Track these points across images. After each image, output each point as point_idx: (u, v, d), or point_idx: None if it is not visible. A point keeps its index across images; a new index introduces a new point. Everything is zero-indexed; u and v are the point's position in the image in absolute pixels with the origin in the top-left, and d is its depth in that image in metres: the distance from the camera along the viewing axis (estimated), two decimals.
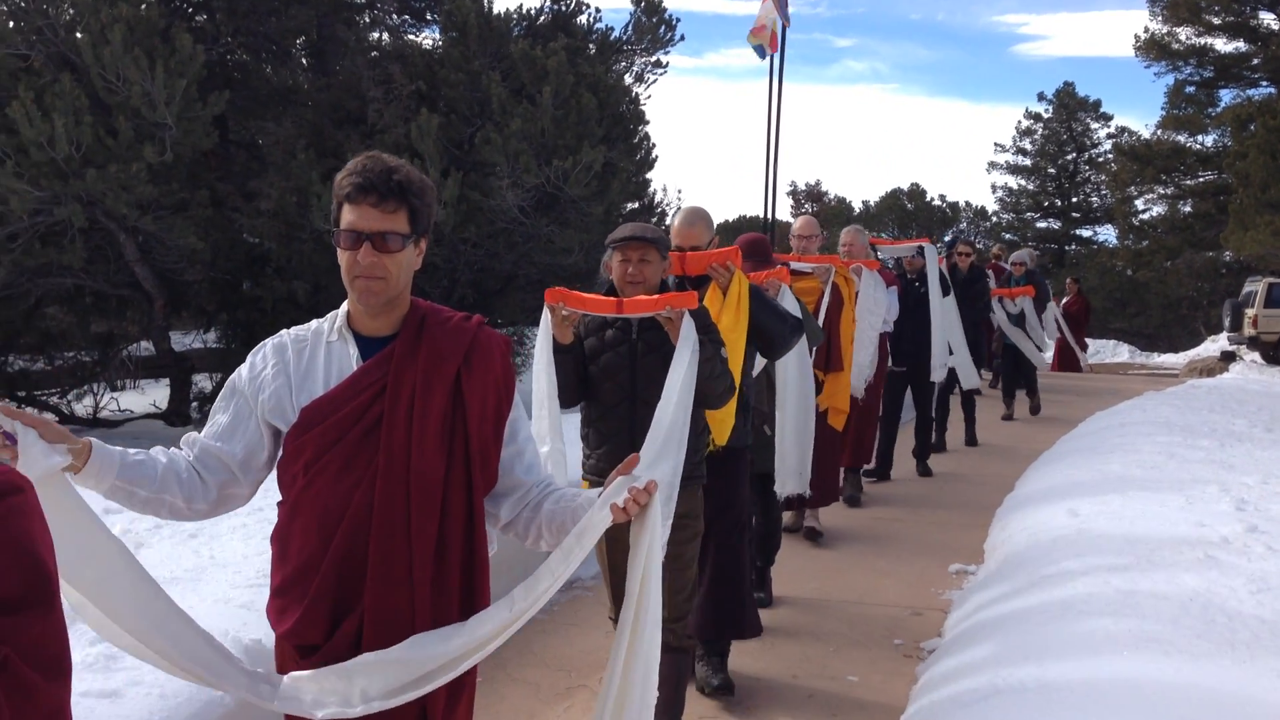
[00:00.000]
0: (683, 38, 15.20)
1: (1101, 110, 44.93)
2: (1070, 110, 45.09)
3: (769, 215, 15.42)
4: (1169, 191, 35.37)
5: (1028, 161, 45.90)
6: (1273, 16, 31.72)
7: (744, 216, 40.13)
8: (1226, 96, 33.64)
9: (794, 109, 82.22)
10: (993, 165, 46.55)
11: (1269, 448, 8.13)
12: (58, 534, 1.80)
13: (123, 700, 3.81)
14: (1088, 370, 19.89)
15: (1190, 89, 34.03)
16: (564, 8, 14.23)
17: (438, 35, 13.49)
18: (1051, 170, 45.48)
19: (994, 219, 47.58)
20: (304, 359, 2.59)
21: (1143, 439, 8.39)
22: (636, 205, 14.07)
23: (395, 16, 14.87)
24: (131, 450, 2.47)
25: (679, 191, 20.60)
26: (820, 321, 6.76)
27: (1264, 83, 32.81)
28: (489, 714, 4.80)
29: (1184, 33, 32.69)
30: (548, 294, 4.02)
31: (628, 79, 14.66)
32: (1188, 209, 34.75)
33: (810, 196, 47.65)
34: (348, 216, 2.46)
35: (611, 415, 4.16)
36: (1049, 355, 19.76)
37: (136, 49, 9.44)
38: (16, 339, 12.63)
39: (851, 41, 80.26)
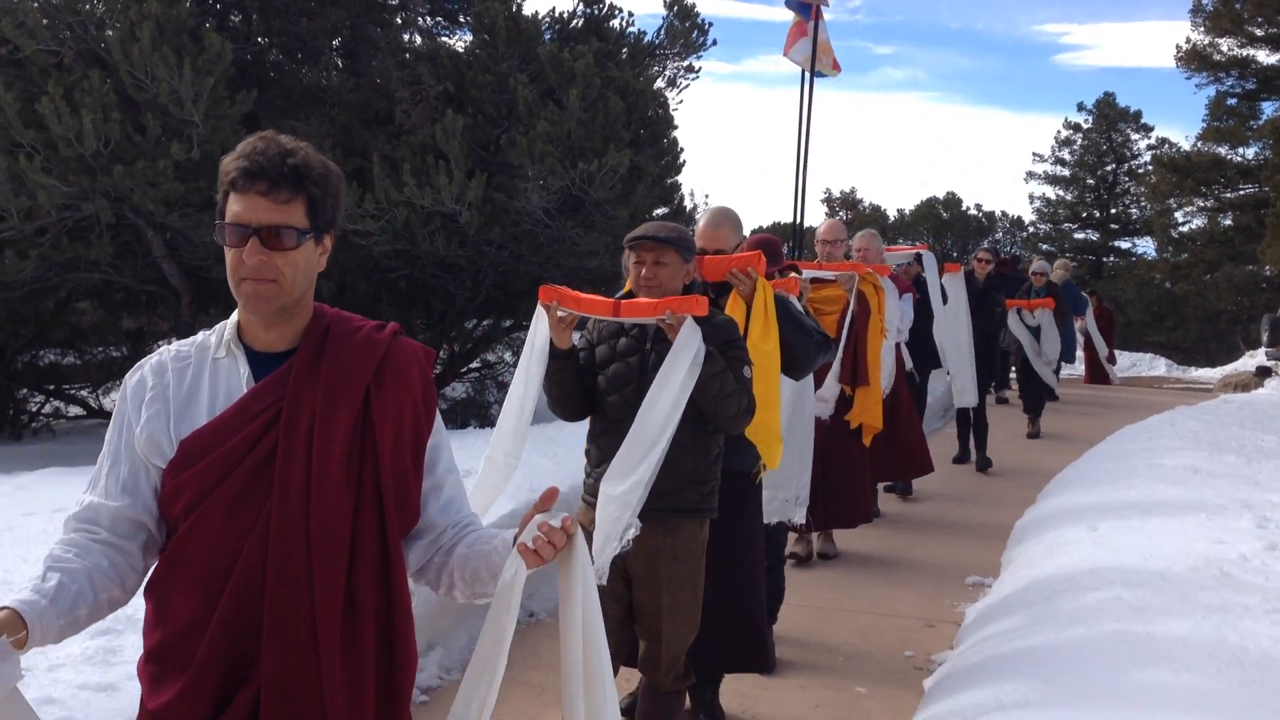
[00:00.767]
0: (715, 42, 15.16)
1: (1142, 121, 44.45)
2: (1110, 121, 44.63)
3: (798, 221, 15.33)
4: (1209, 204, 34.92)
5: (1066, 172, 45.46)
6: None
7: (777, 223, 40.01)
8: (1268, 109, 33.16)
9: (831, 116, 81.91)
10: (1030, 175, 46.11)
11: None
12: None
13: (119, 694, 3.82)
14: (1116, 383, 19.61)
15: (1232, 101, 33.56)
16: (596, 11, 14.21)
17: (469, 37, 13.52)
18: (1090, 181, 45.02)
19: (1031, 229, 47.16)
20: (186, 381, 2.18)
21: (1169, 454, 8.25)
22: (665, 209, 14.03)
23: (427, 18, 14.91)
24: (47, 579, 2.02)
25: (706, 196, 20.48)
26: (845, 332, 6.50)
27: None
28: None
29: (1226, 44, 32.26)
30: (541, 291, 3.76)
31: (660, 83, 14.62)
32: (1228, 222, 34.28)
33: (845, 204, 47.46)
34: (233, 207, 2.09)
35: (615, 432, 3.76)
36: (1073, 370, 19.57)
37: (165, 47, 9.49)
38: (48, 333, 12.75)
39: (890, 49, 79.82)
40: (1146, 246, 42.73)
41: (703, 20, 15.02)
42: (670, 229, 3.82)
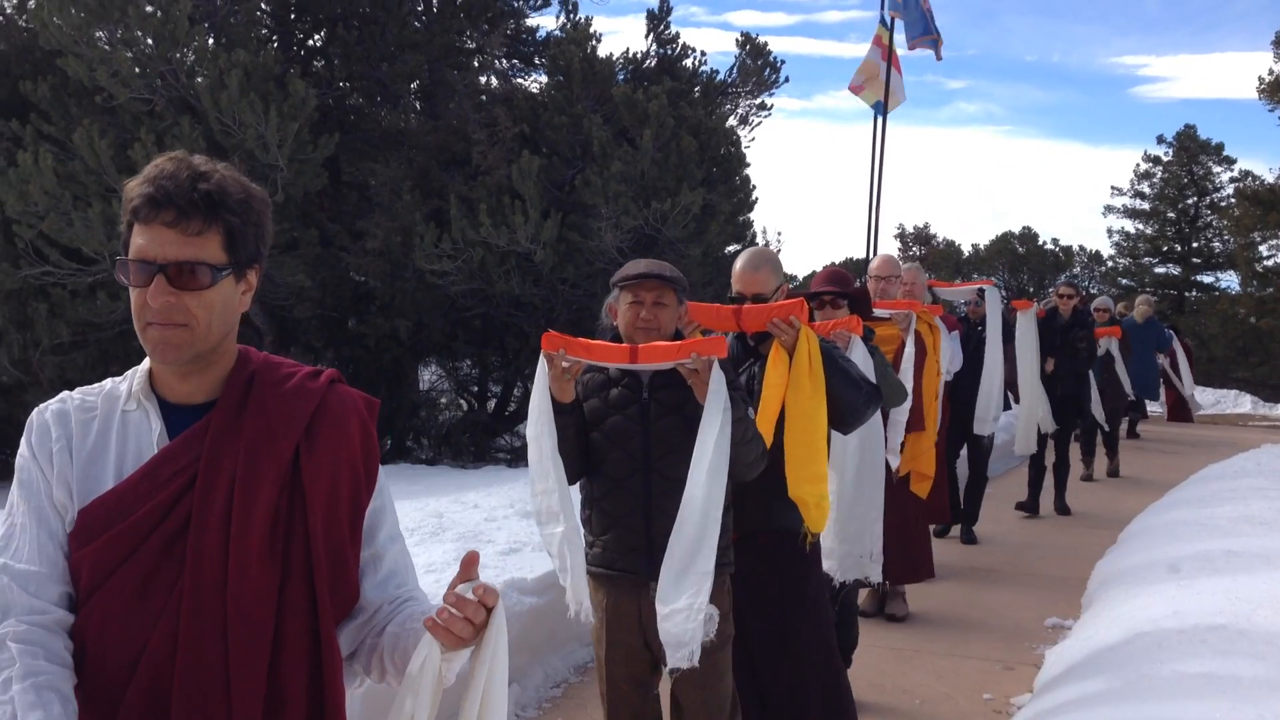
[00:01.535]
0: (787, 80, 15.22)
1: (1224, 154, 43.66)
2: (1191, 153, 43.87)
3: (871, 257, 15.31)
4: None
5: (1146, 205, 44.72)
6: None
7: (849, 259, 39.88)
8: None
9: (904, 151, 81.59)
10: (1109, 209, 45.43)
11: None
12: None
13: None
14: (1195, 418, 19.15)
15: None
16: (670, 52, 14.39)
17: (544, 79, 13.75)
18: (1171, 215, 44.24)
19: (1109, 264, 46.44)
20: (90, 437, 1.86)
21: (1254, 493, 8.07)
22: (737, 247, 14.09)
23: (504, 61, 15.19)
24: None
25: (779, 234, 20.51)
26: (905, 375, 6.00)
27: None
28: None
29: None
30: (545, 339, 3.35)
31: (732, 121, 14.74)
32: None
33: (918, 239, 47.17)
34: (136, 240, 1.79)
35: (621, 492, 3.46)
36: (1154, 408, 19.19)
37: (252, 94, 9.79)
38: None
39: (964, 83, 79.41)
40: (1230, 281, 41.83)
41: (774, 58, 15.13)
42: (670, 267, 3.54)
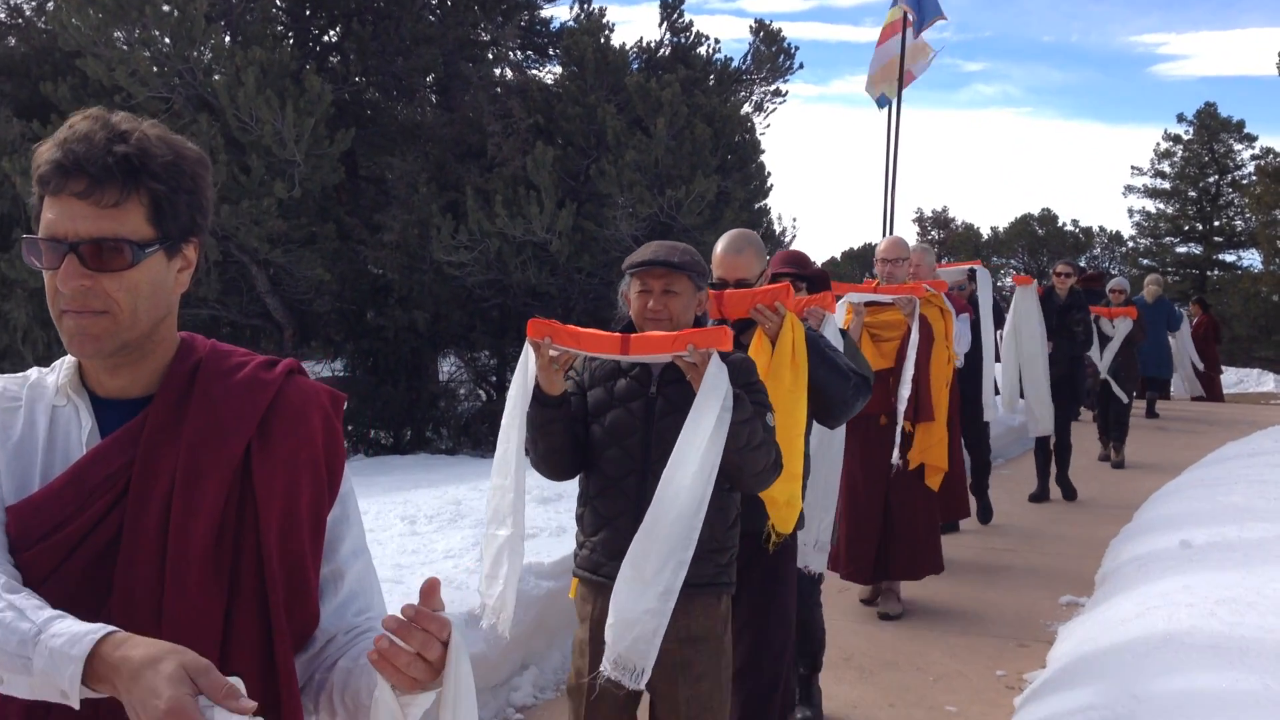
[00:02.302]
0: (801, 66, 15.23)
1: (1245, 131, 43.34)
2: (1212, 131, 43.57)
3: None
4: None
5: (1166, 185, 44.46)
6: None
7: (868, 244, 39.81)
8: None
9: (921, 135, 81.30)
10: (1129, 189, 45.20)
11: None
12: None
13: None
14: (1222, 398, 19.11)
15: None
16: (683, 40, 14.43)
17: (558, 70, 13.82)
18: (1192, 193, 43.97)
19: (1130, 244, 46.20)
20: (15, 430, 1.59)
21: (1271, 470, 8.09)
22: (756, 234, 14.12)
23: (518, 53, 15.26)
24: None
25: (794, 219, 20.49)
26: (908, 362, 5.71)
27: None
28: None
29: None
30: (530, 326, 3.09)
31: (746, 108, 14.76)
32: None
33: (936, 223, 47.02)
34: (46, 215, 1.54)
35: (615, 492, 3.18)
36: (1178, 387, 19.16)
37: (268, 90, 9.90)
38: None
39: (981, 65, 79.07)
40: (1252, 259, 41.56)
41: (789, 44, 15.15)
42: (683, 251, 3.24)
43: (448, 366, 14.35)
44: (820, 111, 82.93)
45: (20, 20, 12.90)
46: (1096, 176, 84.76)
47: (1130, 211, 45.87)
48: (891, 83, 12.39)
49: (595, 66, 11.98)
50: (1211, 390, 19.20)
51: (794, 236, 14.89)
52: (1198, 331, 19.32)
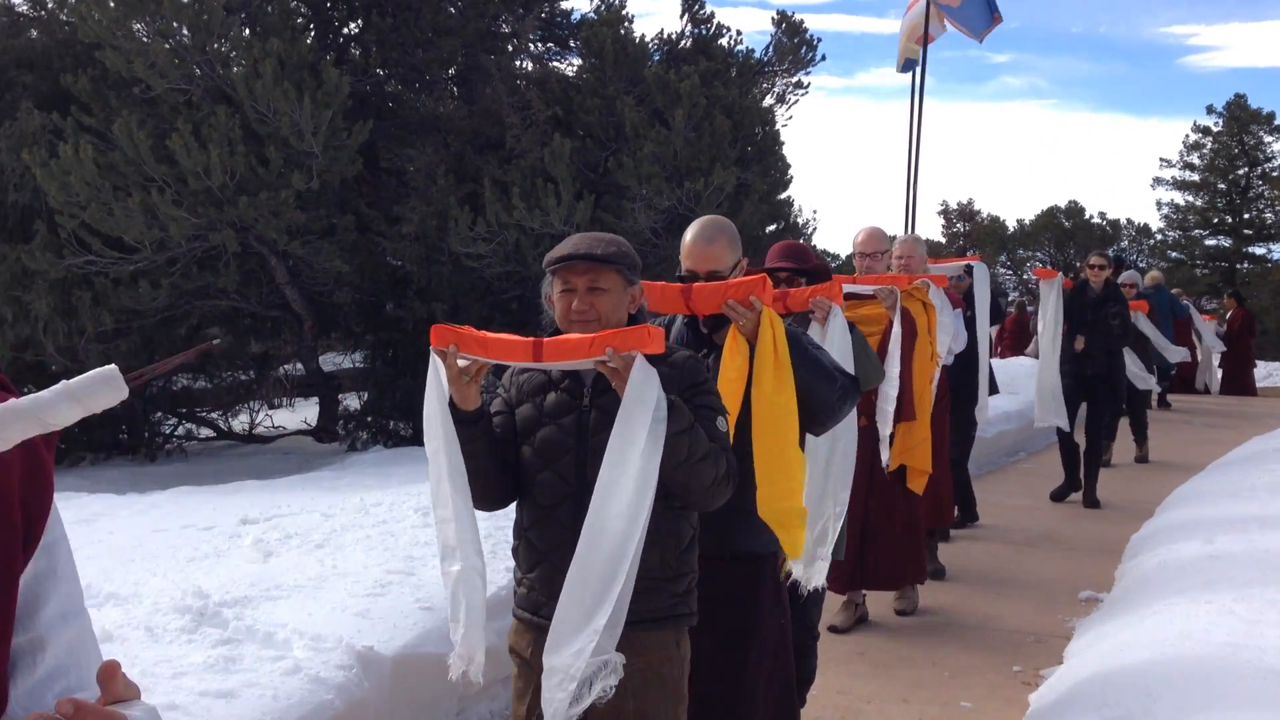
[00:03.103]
0: (824, 58, 15.11)
1: (1276, 123, 42.88)
2: (1242, 123, 43.15)
3: (909, 234, 15.25)
4: None
5: (1196, 177, 44.08)
6: None
7: (891, 237, 39.60)
8: None
9: (947, 127, 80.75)
10: (1158, 181, 44.85)
11: None
12: None
13: (238, 700, 3.98)
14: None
15: None
16: (704, 32, 14.33)
17: (578, 62, 13.77)
18: (1222, 186, 43.58)
19: (1159, 237, 45.82)
20: None
21: None
22: (776, 226, 14.04)
23: (538, 45, 15.21)
24: None
25: (814, 212, 20.38)
26: (891, 358, 5.34)
27: None
28: None
29: None
30: (434, 333, 2.76)
31: (768, 100, 14.67)
32: None
33: (962, 215, 46.76)
34: None
35: (550, 522, 2.83)
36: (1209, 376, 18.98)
37: (286, 82, 9.88)
38: None
39: (1008, 57, 78.39)
40: None
41: (811, 36, 15.02)
42: (610, 242, 2.90)
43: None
44: (844, 104, 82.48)
45: (42, 13, 12.96)
46: (1124, 169, 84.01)
47: (1159, 204, 45.48)
48: (915, 46, 12.35)
49: (615, 58, 11.92)
50: (1244, 384, 19.03)
51: (815, 229, 14.82)
52: (1233, 325, 19.19)
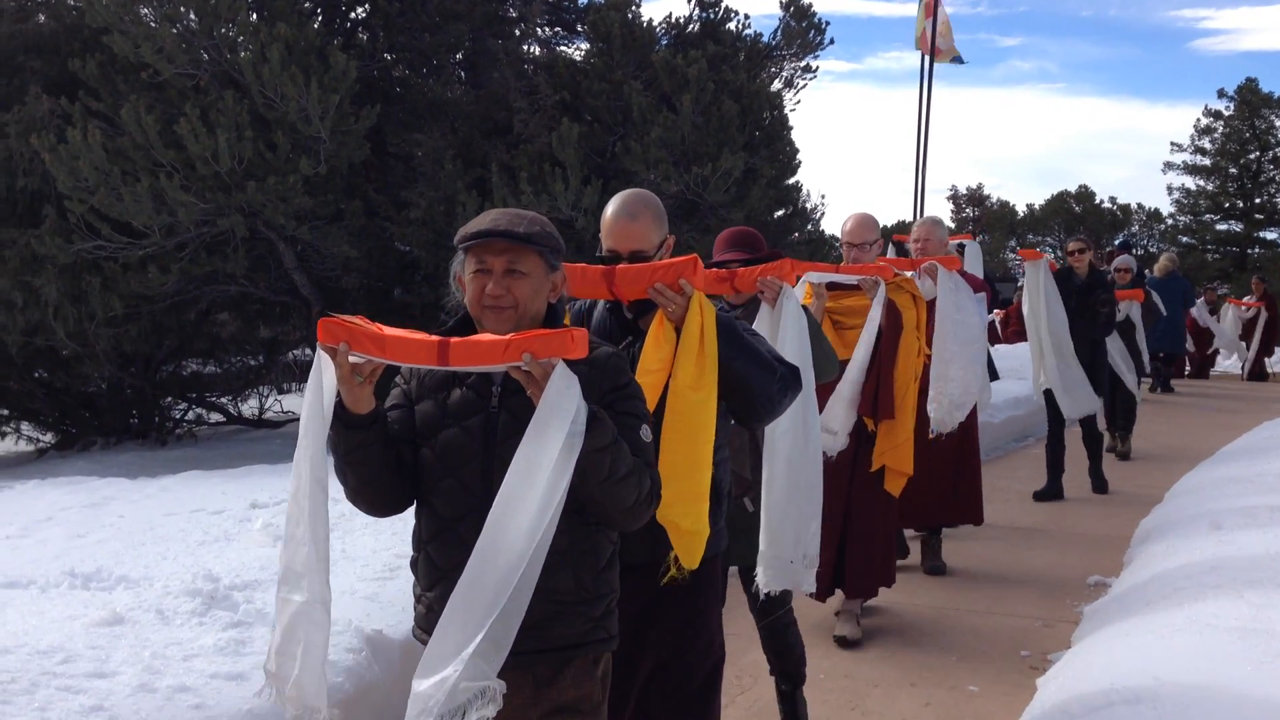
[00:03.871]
0: (832, 41, 15.07)
1: None
2: (1253, 107, 42.99)
3: (918, 218, 15.25)
4: None
5: (1207, 161, 43.94)
6: None
7: (901, 221, 39.53)
8: None
9: (956, 112, 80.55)
10: (1169, 166, 44.70)
11: None
12: None
13: (248, 683, 4.00)
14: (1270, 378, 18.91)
15: None
16: (712, 16, 14.30)
17: (586, 46, 13.74)
18: (1233, 170, 43.44)
19: (1169, 221, 45.67)
20: None
21: None
22: (785, 211, 14.02)
23: (546, 29, 15.19)
24: None
25: (822, 196, 20.28)
26: (869, 351, 5.10)
27: None
28: None
29: None
30: (321, 328, 2.40)
31: (776, 84, 14.64)
32: None
33: (971, 200, 46.64)
34: None
35: (451, 537, 2.52)
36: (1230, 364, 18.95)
37: (294, 67, 9.88)
38: (189, 344, 13.35)
39: (1017, 41, 78.29)
40: None
41: (819, 19, 14.99)
42: (531, 220, 2.58)
43: None
44: (852, 88, 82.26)
45: None
46: (1135, 153, 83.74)
47: (1170, 189, 45.36)
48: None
49: (622, 43, 11.90)
50: (1259, 369, 19.09)
51: (823, 213, 14.80)
52: (1268, 312, 19.16)
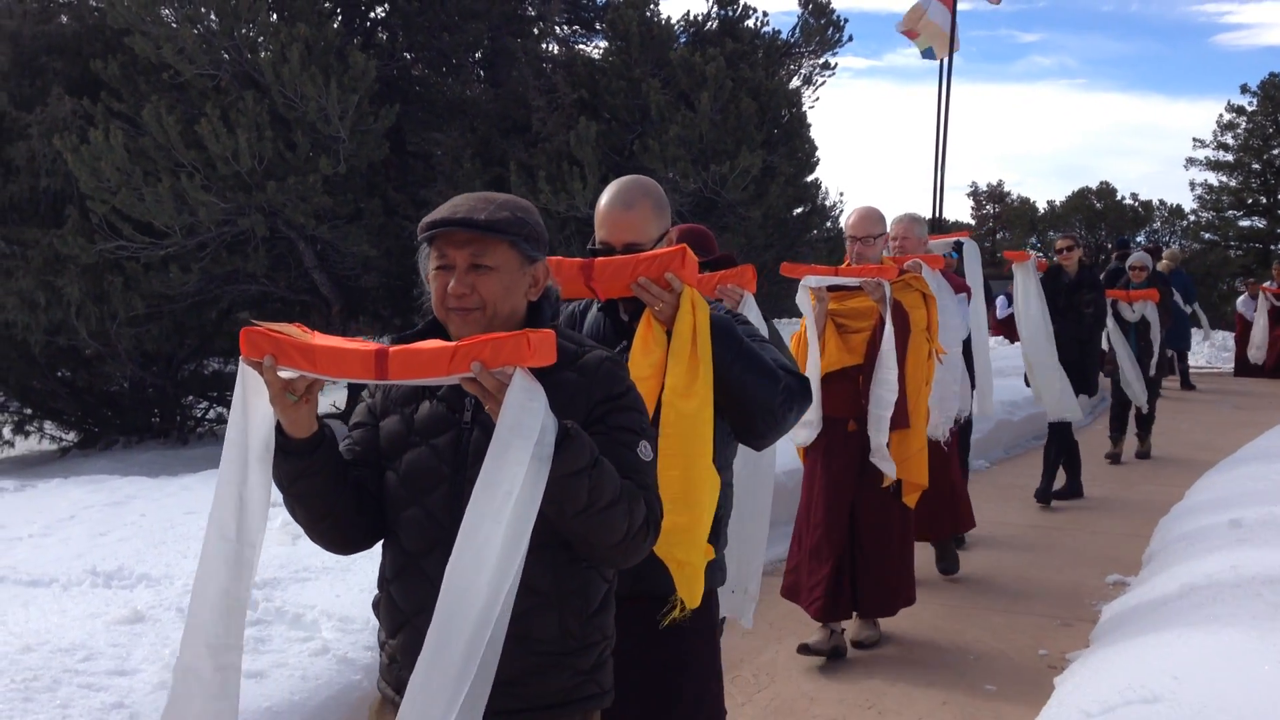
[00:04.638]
0: (851, 39, 15.04)
1: None
2: (1276, 102, 42.66)
3: (937, 215, 15.23)
4: None
5: (1230, 157, 43.61)
6: None
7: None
8: None
9: (976, 108, 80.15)
10: (1191, 162, 44.39)
11: None
12: None
13: (267, 680, 4.04)
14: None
15: None
16: (730, 13, 14.29)
17: (604, 44, 13.76)
18: (1256, 166, 43.11)
19: (1192, 218, 45.37)
20: None
21: None
22: (803, 209, 14.00)
23: (564, 28, 15.20)
24: None
25: (841, 194, 20.28)
26: (885, 357, 4.85)
27: None
28: None
29: None
30: (243, 339, 2.05)
31: (795, 82, 14.62)
32: None
33: (991, 197, 46.46)
34: None
35: (416, 574, 2.17)
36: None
37: (313, 67, 9.92)
38: (211, 343, 13.43)
39: (1037, 36, 77.84)
40: None
41: (838, 16, 14.95)
42: (501, 204, 2.19)
43: None
44: (871, 85, 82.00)
45: None
46: (1157, 149, 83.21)
47: (1192, 185, 45.05)
48: (939, 40, 12.30)
49: (641, 41, 11.90)
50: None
51: (842, 211, 14.77)
52: None
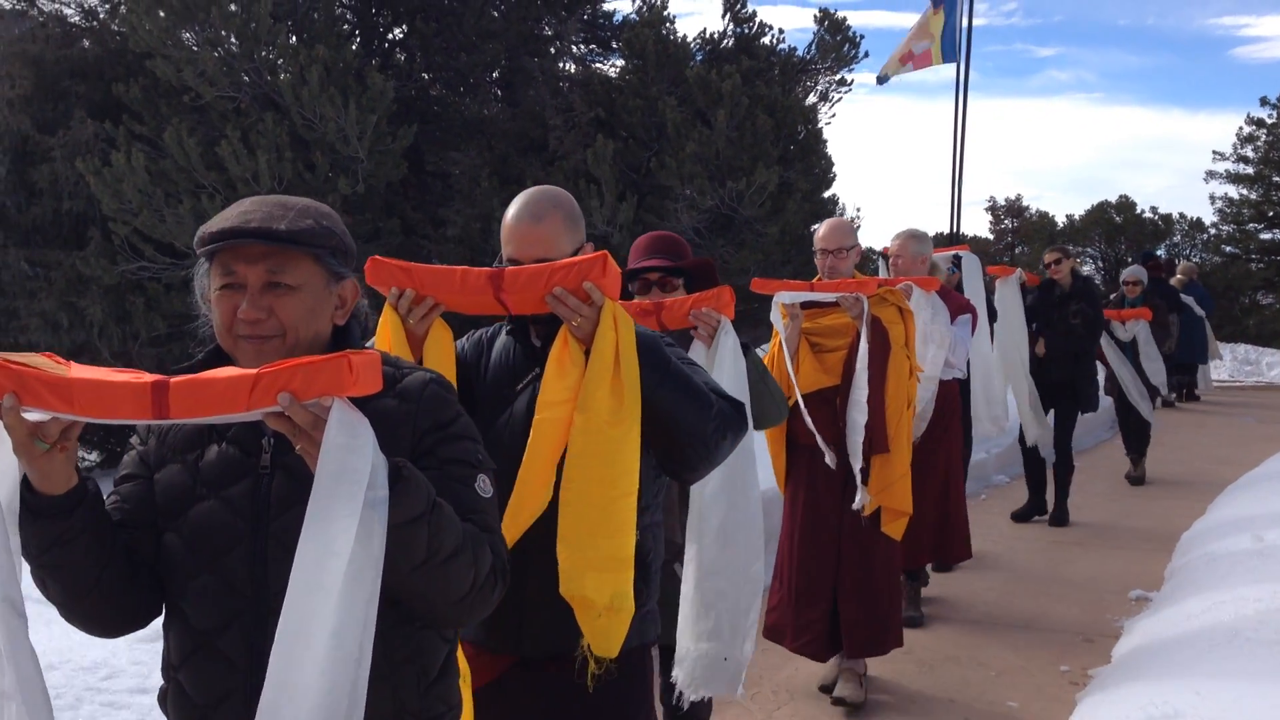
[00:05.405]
0: (867, 55, 15.10)
1: None
2: None
3: (954, 230, 15.24)
4: None
5: (1250, 170, 43.28)
6: None
7: (939, 234, 39.35)
8: None
9: (993, 122, 79.97)
10: (1211, 175, 44.04)
11: None
12: None
13: None
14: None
15: None
16: (746, 30, 14.34)
17: (621, 63, 13.82)
18: (1277, 178, 42.78)
19: (1212, 231, 45.09)
20: None
21: None
22: (818, 226, 13.99)
23: (581, 46, 15.28)
24: None
25: (858, 209, 20.24)
26: (854, 380, 4.52)
27: None
28: None
29: None
30: None
31: (811, 98, 14.66)
32: None
33: (1010, 212, 46.35)
34: None
35: (210, 656, 1.81)
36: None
37: (332, 88, 9.99)
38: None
39: (1054, 51, 77.48)
40: None
41: (854, 33, 14.97)
42: (302, 212, 1.86)
43: None
44: (888, 100, 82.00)
45: (94, 24, 13.16)
46: (1176, 163, 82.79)
47: (1212, 198, 44.76)
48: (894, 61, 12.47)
49: (657, 59, 11.95)
50: None
51: (859, 226, 14.78)
52: None
